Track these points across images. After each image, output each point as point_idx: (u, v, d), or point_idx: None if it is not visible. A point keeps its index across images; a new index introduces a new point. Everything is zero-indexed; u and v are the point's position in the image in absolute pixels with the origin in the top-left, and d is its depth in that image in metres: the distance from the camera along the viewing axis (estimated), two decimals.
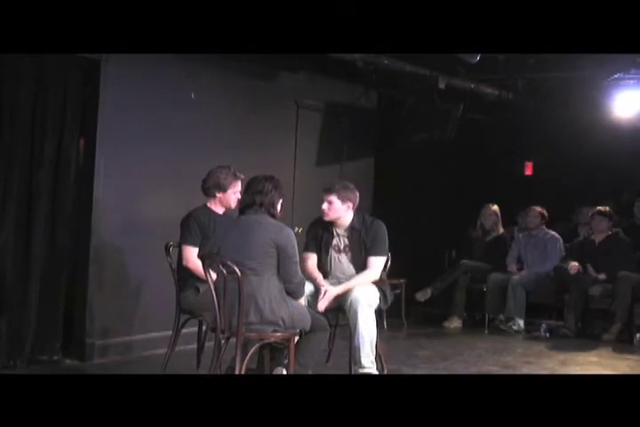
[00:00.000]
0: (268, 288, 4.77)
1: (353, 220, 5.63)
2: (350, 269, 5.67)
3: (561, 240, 8.70)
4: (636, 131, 8.74)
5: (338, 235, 5.69)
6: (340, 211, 5.58)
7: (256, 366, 5.12)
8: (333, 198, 5.56)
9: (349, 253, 5.67)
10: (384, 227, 5.64)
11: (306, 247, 5.69)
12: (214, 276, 4.88)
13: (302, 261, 5.37)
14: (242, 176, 5.64)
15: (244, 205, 4.93)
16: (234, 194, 5.66)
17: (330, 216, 5.61)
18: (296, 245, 4.90)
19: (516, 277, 8.42)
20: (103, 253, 6.30)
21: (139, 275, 6.50)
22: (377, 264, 5.59)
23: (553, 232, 8.75)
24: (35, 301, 5.83)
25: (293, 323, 4.86)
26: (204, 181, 5.70)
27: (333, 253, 5.71)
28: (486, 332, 8.38)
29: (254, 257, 4.76)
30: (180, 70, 6.68)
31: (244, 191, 5.00)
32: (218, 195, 5.68)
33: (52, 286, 5.96)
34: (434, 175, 9.67)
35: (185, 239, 5.57)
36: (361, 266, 5.61)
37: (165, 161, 6.61)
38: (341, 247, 5.69)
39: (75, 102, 6.04)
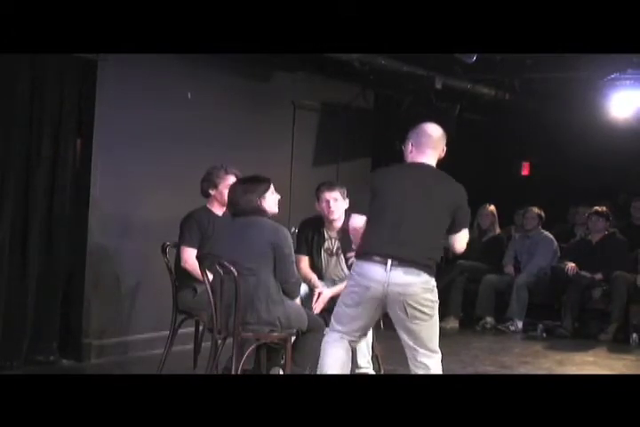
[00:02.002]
0: (264, 288, 4.76)
1: (344, 221, 5.56)
2: (344, 270, 5.63)
3: (555, 242, 8.69)
4: (632, 131, 8.75)
5: (330, 238, 5.64)
6: (343, 209, 5.49)
7: (253, 366, 5.11)
8: (338, 195, 5.49)
9: (342, 256, 5.63)
10: None
11: (297, 250, 5.51)
12: (211, 276, 4.88)
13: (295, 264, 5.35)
14: (234, 171, 5.58)
15: (239, 211, 4.89)
16: (226, 189, 5.61)
17: (337, 214, 5.52)
18: (292, 246, 4.91)
19: (520, 279, 8.41)
20: (100, 254, 6.29)
21: (136, 275, 6.50)
22: None
23: (547, 233, 8.74)
24: (31, 301, 5.83)
25: (290, 323, 4.86)
26: (201, 182, 5.71)
27: (326, 256, 5.67)
28: (478, 329, 8.38)
29: (251, 257, 4.76)
30: (178, 70, 6.67)
31: (232, 197, 4.94)
32: (212, 192, 5.65)
33: (48, 286, 5.95)
34: None
35: (183, 240, 5.56)
36: None
37: (162, 161, 6.61)
38: (333, 250, 5.65)
39: (72, 102, 6.04)
